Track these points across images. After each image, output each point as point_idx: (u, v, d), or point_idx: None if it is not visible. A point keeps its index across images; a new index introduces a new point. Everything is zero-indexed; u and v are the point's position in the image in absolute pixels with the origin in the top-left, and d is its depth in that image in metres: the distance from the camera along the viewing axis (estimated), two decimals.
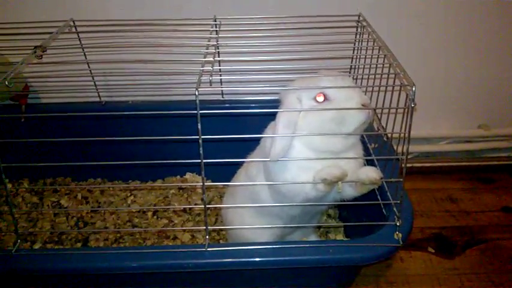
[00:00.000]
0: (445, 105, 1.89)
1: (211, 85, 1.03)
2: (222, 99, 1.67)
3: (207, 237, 1.07)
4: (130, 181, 1.76)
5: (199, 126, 0.97)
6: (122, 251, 1.06)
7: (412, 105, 0.97)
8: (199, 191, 1.72)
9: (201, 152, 0.99)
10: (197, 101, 0.95)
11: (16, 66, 1.08)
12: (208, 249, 1.04)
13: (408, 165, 1.05)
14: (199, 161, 1.00)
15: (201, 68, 1.04)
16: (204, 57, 1.13)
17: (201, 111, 0.96)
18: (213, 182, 1.67)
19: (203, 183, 1.04)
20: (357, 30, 1.47)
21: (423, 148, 1.92)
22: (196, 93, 0.95)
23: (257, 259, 1.03)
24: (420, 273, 1.45)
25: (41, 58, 1.19)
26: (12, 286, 1.16)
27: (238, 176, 1.38)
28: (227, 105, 1.64)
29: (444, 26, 1.70)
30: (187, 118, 1.52)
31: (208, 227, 1.08)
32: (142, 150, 1.64)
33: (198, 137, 0.98)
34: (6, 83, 1.01)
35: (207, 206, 1.07)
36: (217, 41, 1.28)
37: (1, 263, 1.02)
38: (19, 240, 1.08)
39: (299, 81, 1.15)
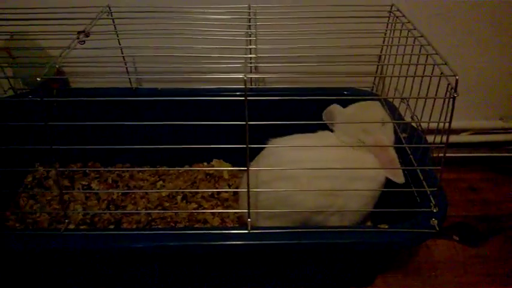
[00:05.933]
0: (466, 96, 1.90)
1: (254, 70, 1.05)
2: (250, 87, 1.69)
3: (249, 220, 1.10)
4: (158, 166, 1.79)
5: (246, 112, 0.99)
6: (167, 231, 1.09)
7: (455, 95, 1.00)
8: (226, 176, 1.74)
9: (247, 137, 1.02)
10: (245, 86, 0.97)
11: (63, 51, 1.09)
12: (251, 231, 1.08)
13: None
14: (245, 146, 1.03)
15: (248, 55, 1.06)
16: (246, 45, 1.15)
17: (249, 98, 0.98)
18: (233, 167, 1.74)
19: (247, 167, 1.07)
20: (388, 20, 1.48)
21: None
22: (245, 78, 0.97)
23: (302, 241, 1.05)
24: (446, 260, 1.48)
25: (83, 43, 1.21)
26: (58, 265, 1.20)
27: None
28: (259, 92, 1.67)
29: (469, 19, 1.71)
30: (215, 105, 1.56)
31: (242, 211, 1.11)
32: (168, 137, 1.66)
33: (244, 122, 1.01)
34: (57, 66, 1.03)
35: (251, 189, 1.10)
36: (251, 28, 1.29)
37: (52, 242, 1.05)
38: (66, 221, 1.11)
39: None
